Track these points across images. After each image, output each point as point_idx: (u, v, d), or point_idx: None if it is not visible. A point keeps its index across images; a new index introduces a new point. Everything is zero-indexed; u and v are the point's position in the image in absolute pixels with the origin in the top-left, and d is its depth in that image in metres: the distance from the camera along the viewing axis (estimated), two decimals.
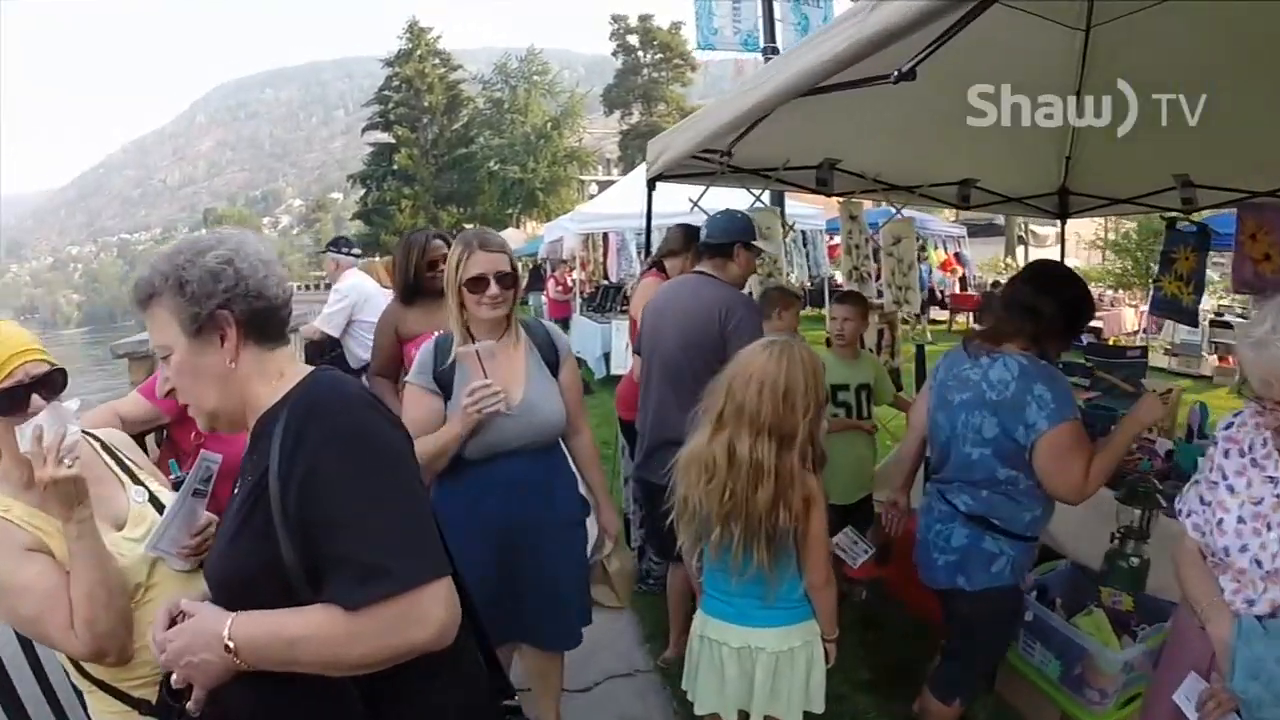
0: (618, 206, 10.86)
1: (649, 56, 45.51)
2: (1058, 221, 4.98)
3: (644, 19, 45.38)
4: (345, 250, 5.07)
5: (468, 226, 40.18)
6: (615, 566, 2.50)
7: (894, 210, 4.83)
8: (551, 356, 2.32)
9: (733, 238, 2.96)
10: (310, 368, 1.23)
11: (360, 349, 4.47)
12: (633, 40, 45.45)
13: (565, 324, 11.82)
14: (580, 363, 10.58)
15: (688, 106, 42.89)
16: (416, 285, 3.18)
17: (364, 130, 44.15)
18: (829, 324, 3.81)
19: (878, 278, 5.22)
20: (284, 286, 1.22)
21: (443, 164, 41.59)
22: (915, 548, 2.43)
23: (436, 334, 2.34)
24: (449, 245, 2.60)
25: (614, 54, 46.06)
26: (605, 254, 12.09)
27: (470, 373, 2.15)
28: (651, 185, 3.99)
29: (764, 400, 1.88)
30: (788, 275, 6.62)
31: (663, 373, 2.90)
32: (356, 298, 4.59)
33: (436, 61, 42.98)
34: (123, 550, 1.52)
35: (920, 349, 5.26)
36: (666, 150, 3.42)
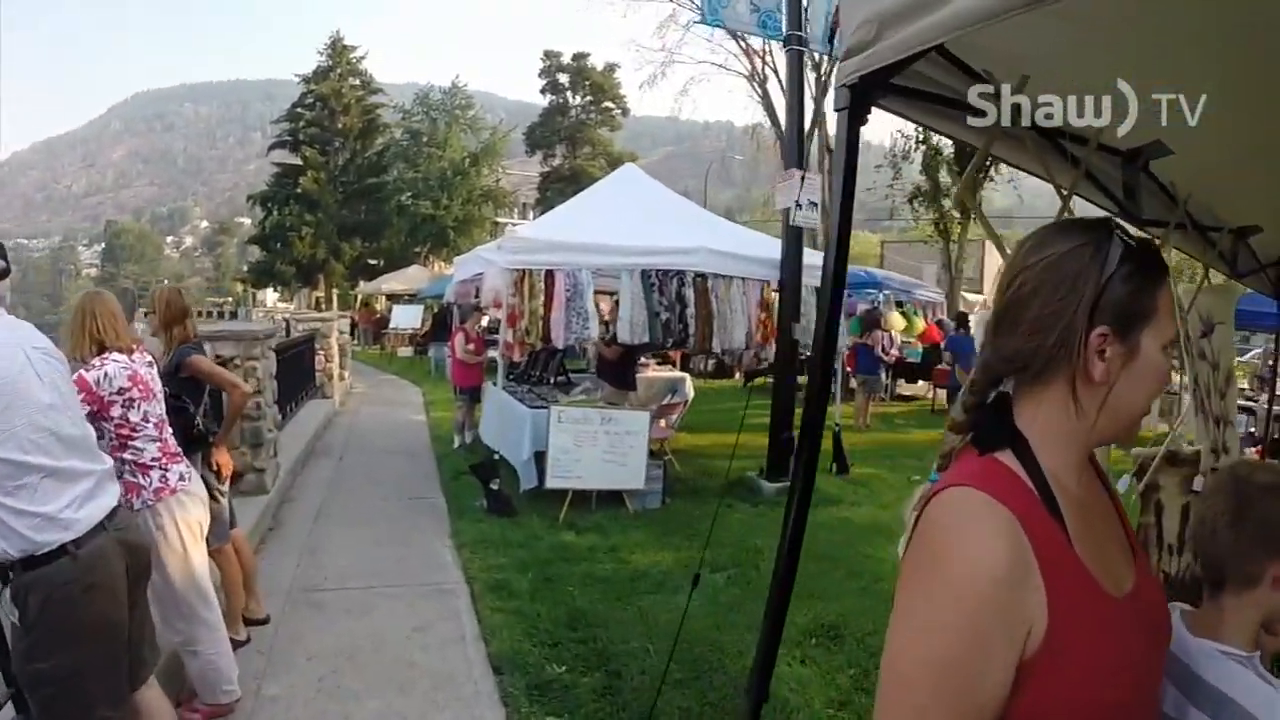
0: (572, 233, 7.16)
1: (579, 98, 44.35)
2: None
3: (579, 58, 44.43)
4: None
5: (371, 262, 35.94)
6: None
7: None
8: None
9: None
10: None
11: None
12: (563, 79, 44.33)
13: (474, 395, 8.79)
14: (500, 463, 7.05)
15: (614, 152, 41.80)
16: None
17: (270, 149, 41.02)
18: None
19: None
20: None
21: (350, 192, 38.71)
22: None
23: None
24: None
25: (542, 91, 44.74)
26: (549, 304, 6.94)
27: None
28: (859, 105, 1.58)
29: None
30: None
31: None
32: None
33: (356, 83, 40.53)
34: None
35: None
36: None
